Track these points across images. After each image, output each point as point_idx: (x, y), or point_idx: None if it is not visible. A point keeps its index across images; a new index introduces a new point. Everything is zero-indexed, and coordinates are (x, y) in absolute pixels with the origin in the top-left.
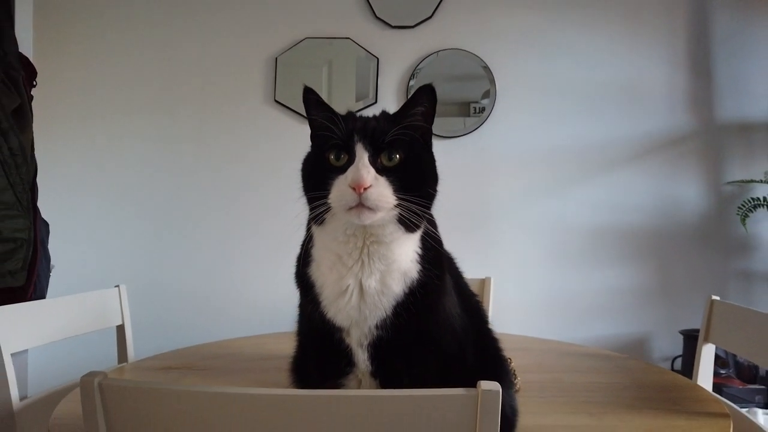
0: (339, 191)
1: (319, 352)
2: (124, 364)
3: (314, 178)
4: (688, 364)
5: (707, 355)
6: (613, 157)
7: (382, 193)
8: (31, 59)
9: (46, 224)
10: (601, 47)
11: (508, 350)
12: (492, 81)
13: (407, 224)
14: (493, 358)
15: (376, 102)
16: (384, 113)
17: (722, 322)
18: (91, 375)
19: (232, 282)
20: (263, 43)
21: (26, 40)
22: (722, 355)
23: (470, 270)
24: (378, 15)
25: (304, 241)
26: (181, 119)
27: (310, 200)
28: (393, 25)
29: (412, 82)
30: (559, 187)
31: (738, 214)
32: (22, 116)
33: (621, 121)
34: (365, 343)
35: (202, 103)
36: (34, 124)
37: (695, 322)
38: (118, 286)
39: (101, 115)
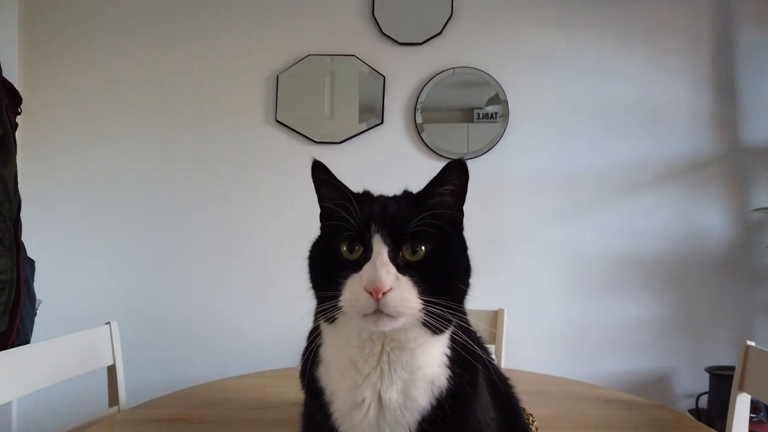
0: (352, 294)
1: None
2: (115, 411)
3: (323, 272)
4: (714, 403)
5: (742, 405)
6: (633, 181)
7: (405, 296)
8: (15, 85)
9: (31, 262)
10: (619, 65)
11: (524, 393)
12: (504, 101)
13: (434, 328)
14: None
15: (382, 122)
16: (406, 194)
17: (758, 369)
18: None
19: (230, 314)
20: (264, 60)
21: (11, 64)
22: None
23: (481, 300)
24: (384, 31)
25: (311, 335)
26: (177, 141)
27: (319, 298)
28: (400, 41)
29: (419, 103)
30: (576, 212)
31: None
32: (5, 147)
33: (641, 142)
34: None
35: (199, 124)
36: (18, 154)
37: (720, 358)
38: (109, 323)
39: (91, 140)
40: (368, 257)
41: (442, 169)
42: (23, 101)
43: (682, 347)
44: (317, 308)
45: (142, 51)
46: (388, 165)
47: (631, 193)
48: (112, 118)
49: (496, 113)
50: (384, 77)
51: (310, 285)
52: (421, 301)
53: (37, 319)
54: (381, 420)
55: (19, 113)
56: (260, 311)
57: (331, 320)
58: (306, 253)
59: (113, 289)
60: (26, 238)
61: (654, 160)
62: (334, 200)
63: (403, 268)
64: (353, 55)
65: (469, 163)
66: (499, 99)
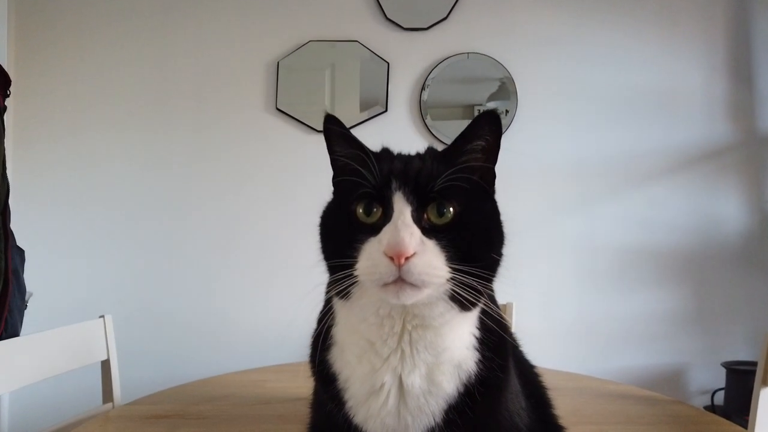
0: (370, 260)
1: None
2: (109, 407)
3: (336, 238)
4: (731, 399)
5: (766, 401)
6: (646, 170)
7: (431, 263)
8: (5, 66)
9: (21, 251)
10: (632, 50)
11: None
12: (513, 87)
13: (463, 302)
14: None
15: (386, 110)
16: (431, 150)
17: None
18: None
19: (229, 307)
20: (264, 46)
21: (1, 49)
22: None
23: None
24: (389, 16)
25: (322, 316)
26: (174, 130)
27: (331, 268)
28: (405, 27)
29: (425, 90)
30: (587, 203)
31: None
32: None
33: (654, 131)
34: None
35: (197, 112)
36: (7, 138)
37: (737, 353)
38: (102, 316)
39: (86, 128)
40: (388, 218)
41: (472, 121)
42: (13, 84)
43: (697, 342)
44: (329, 281)
45: (139, 35)
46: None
47: (644, 183)
48: (107, 106)
49: (506, 110)
50: (388, 63)
51: (322, 255)
52: (450, 269)
53: (27, 312)
54: (402, 408)
55: (8, 96)
56: (260, 304)
57: (346, 294)
58: (313, 235)
59: (107, 282)
60: (17, 228)
61: (668, 149)
62: (349, 156)
63: (428, 231)
64: (356, 41)
65: None
66: (501, 95)
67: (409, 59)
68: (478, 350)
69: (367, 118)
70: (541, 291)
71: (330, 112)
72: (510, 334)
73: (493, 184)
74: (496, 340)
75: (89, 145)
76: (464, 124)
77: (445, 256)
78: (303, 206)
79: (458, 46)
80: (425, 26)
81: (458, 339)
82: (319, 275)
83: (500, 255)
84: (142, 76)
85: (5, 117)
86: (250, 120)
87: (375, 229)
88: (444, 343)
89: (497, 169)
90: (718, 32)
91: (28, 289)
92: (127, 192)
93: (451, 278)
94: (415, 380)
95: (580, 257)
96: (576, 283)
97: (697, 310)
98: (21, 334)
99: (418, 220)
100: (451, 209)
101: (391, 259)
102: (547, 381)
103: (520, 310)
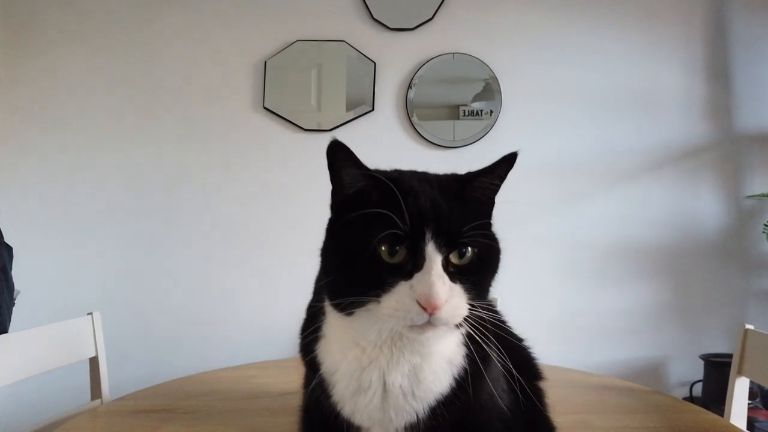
0: (401, 303)
1: None
2: (98, 404)
3: (354, 275)
4: (709, 391)
5: (741, 389)
6: (626, 168)
7: (457, 306)
8: None
9: (9, 248)
10: (613, 51)
11: None
12: (497, 87)
13: (459, 325)
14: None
15: (373, 109)
16: (447, 181)
17: (757, 353)
18: None
19: (217, 303)
20: (251, 45)
21: None
22: (750, 384)
23: None
24: (375, 16)
25: (311, 308)
26: (162, 127)
27: (336, 290)
28: (391, 27)
29: (411, 90)
30: (569, 199)
31: (764, 232)
32: None
33: (634, 129)
34: None
35: (184, 110)
36: None
37: (714, 346)
38: (90, 313)
39: (72, 123)
40: (417, 265)
41: (497, 162)
42: None
43: (676, 335)
44: (332, 298)
45: (126, 32)
46: (380, 152)
47: (625, 180)
48: (93, 103)
49: (482, 110)
50: (375, 63)
51: (326, 275)
52: (468, 307)
53: (15, 309)
54: (386, 405)
55: None
56: (248, 302)
57: (348, 313)
58: (314, 248)
59: (96, 279)
60: (4, 224)
61: (647, 147)
62: (364, 190)
63: (453, 274)
64: (343, 41)
65: (461, 151)
66: (485, 94)
67: (396, 59)
68: (465, 345)
69: (353, 117)
70: (525, 287)
71: (318, 111)
72: (494, 319)
73: (492, 211)
74: (482, 330)
75: (76, 142)
76: (450, 123)
77: (467, 296)
78: (290, 204)
79: (444, 47)
80: (411, 26)
81: (446, 342)
82: (305, 272)
83: (496, 277)
84: (129, 75)
85: None
86: (238, 118)
87: (398, 270)
88: (431, 349)
89: None
90: (696, 34)
91: (16, 286)
92: (115, 190)
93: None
94: (396, 380)
95: (563, 253)
96: (558, 279)
97: (676, 304)
98: (9, 331)
99: (445, 266)
100: (470, 252)
101: (424, 308)
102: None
103: (505, 304)
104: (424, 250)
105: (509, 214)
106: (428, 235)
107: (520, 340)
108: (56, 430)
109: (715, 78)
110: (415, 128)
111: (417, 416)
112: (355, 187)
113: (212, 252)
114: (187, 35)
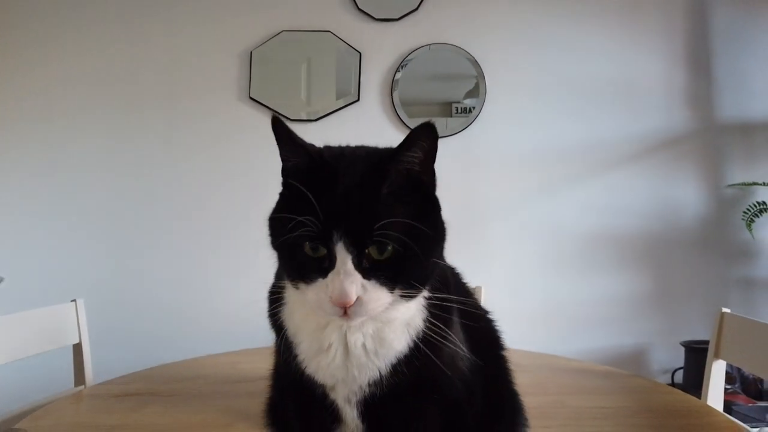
0: (318, 297)
1: (299, 404)
2: (81, 387)
3: (286, 251)
4: (690, 377)
5: (718, 372)
6: (608, 157)
7: (373, 298)
8: None
9: None
10: (595, 42)
11: None
12: (481, 77)
13: (408, 300)
14: (505, 395)
15: (358, 99)
16: (369, 161)
17: (734, 336)
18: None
19: (201, 292)
20: (237, 35)
21: None
22: (728, 369)
23: None
24: (360, 7)
25: (278, 275)
26: (147, 116)
27: (280, 264)
28: (376, 17)
29: (396, 80)
30: (552, 189)
31: (743, 219)
32: None
33: (616, 119)
34: (354, 400)
35: (170, 101)
36: None
37: (695, 333)
38: (74, 300)
39: (56, 113)
40: (332, 264)
41: (408, 135)
42: None
43: (658, 323)
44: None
45: (110, 21)
46: (365, 142)
47: (607, 170)
48: (77, 91)
49: (473, 107)
50: (360, 53)
51: (272, 247)
52: (391, 294)
53: None
54: (348, 364)
55: None
56: (233, 290)
57: (295, 286)
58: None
59: (80, 267)
60: None
61: (629, 137)
62: (296, 169)
63: (369, 271)
64: (329, 31)
65: (447, 141)
66: (469, 84)
67: (381, 49)
68: (426, 308)
69: (340, 106)
70: (508, 275)
71: (304, 101)
72: (457, 288)
73: (432, 185)
74: (442, 293)
75: (60, 130)
76: (434, 111)
77: (388, 288)
78: (276, 193)
79: (428, 37)
80: (396, 17)
81: (405, 309)
82: None
83: (443, 250)
84: (114, 64)
85: None
86: (224, 108)
87: (320, 265)
88: (390, 315)
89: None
90: (677, 24)
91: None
92: (100, 178)
93: (397, 296)
94: (359, 339)
95: (545, 242)
96: (541, 267)
97: (657, 292)
98: None
99: (359, 264)
100: (390, 247)
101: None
102: (512, 359)
103: (489, 293)
104: (334, 251)
105: (494, 204)
106: (336, 236)
107: (486, 312)
108: (38, 411)
109: (696, 68)
110: (399, 117)
111: (380, 373)
112: (293, 166)
113: (197, 240)
114: (172, 25)
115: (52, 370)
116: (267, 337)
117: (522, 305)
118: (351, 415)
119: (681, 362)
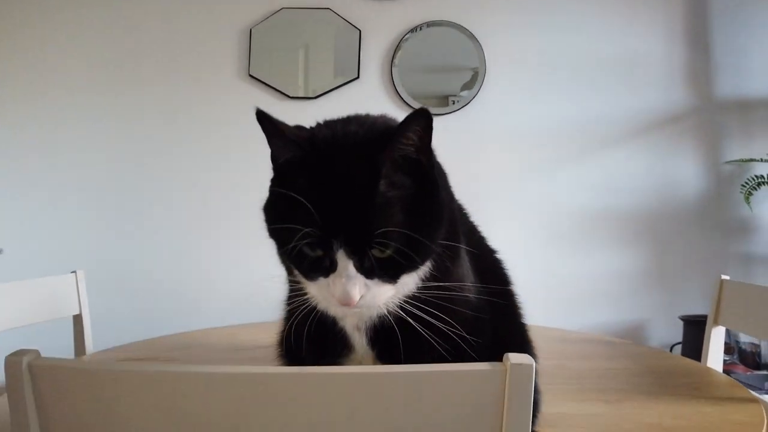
0: (322, 295)
1: (310, 333)
2: (81, 357)
3: (285, 254)
4: (688, 351)
5: (717, 338)
6: (608, 135)
7: (376, 294)
8: None
9: None
10: (595, 19)
11: None
12: (481, 55)
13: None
14: (515, 325)
15: (358, 77)
16: (361, 154)
17: (733, 303)
18: (18, 354)
19: (202, 268)
20: (236, 13)
21: None
22: (726, 340)
23: None
24: None
25: None
26: (146, 92)
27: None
28: None
29: (396, 57)
30: (551, 166)
31: (741, 192)
32: None
33: (615, 97)
34: (363, 327)
35: (169, 78)
36: None
37: (694, 308)
38: (74, 271)
39: (56, 89)
40: (333, 267)
41: (401, 123)
42: None
43: (657, 298)
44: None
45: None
46: None
47: (606, 147)
48: (76, 68)
49: (473, 86)
50: (360, 31)
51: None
52: (395, 284)
53: None
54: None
55: None
56: (234, 266)
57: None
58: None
59: (80, 240)
60: None
61: (628, 114)
62: (287, 166)
63: (371, 270)
64: (328, 8)
65: (446, 118)
66: (469, 62)
67: (381, 27)
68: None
69: (339, 84)
70: (508, 252)
71: (303, 79)
72: (465, 228)
73: (430, 167)
74: (451, 228)
75: (59, 105)
76: (433, 87)
77: (392, 282)
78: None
79: (428, 15)
80: None
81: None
82: None
83: (443, 226)
84: (113, 41)
85: None
86: (223, 86)
87: (319, 265)
88: None
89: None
90: (676, 1)
91: None
92: (100, 151)
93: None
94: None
95: (545, 219)
96: (541, 244)
97: (656, 268)
98: None
99: (360, 267)
100: (391, 246)
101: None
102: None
103: None
104: (335, 257)
105: (495, 181)
106: (336, 244)
107: (493, 251)
108: None
109: (695, 46)
110: (399, 95)
111: (387, 309)
112: (283, 158)
113: (197, 217)
114: (171, 3)
115: (51, 344)
116: (266, 315)
117: (520, 282)
118: (361, 342)
119: (679, 337)
